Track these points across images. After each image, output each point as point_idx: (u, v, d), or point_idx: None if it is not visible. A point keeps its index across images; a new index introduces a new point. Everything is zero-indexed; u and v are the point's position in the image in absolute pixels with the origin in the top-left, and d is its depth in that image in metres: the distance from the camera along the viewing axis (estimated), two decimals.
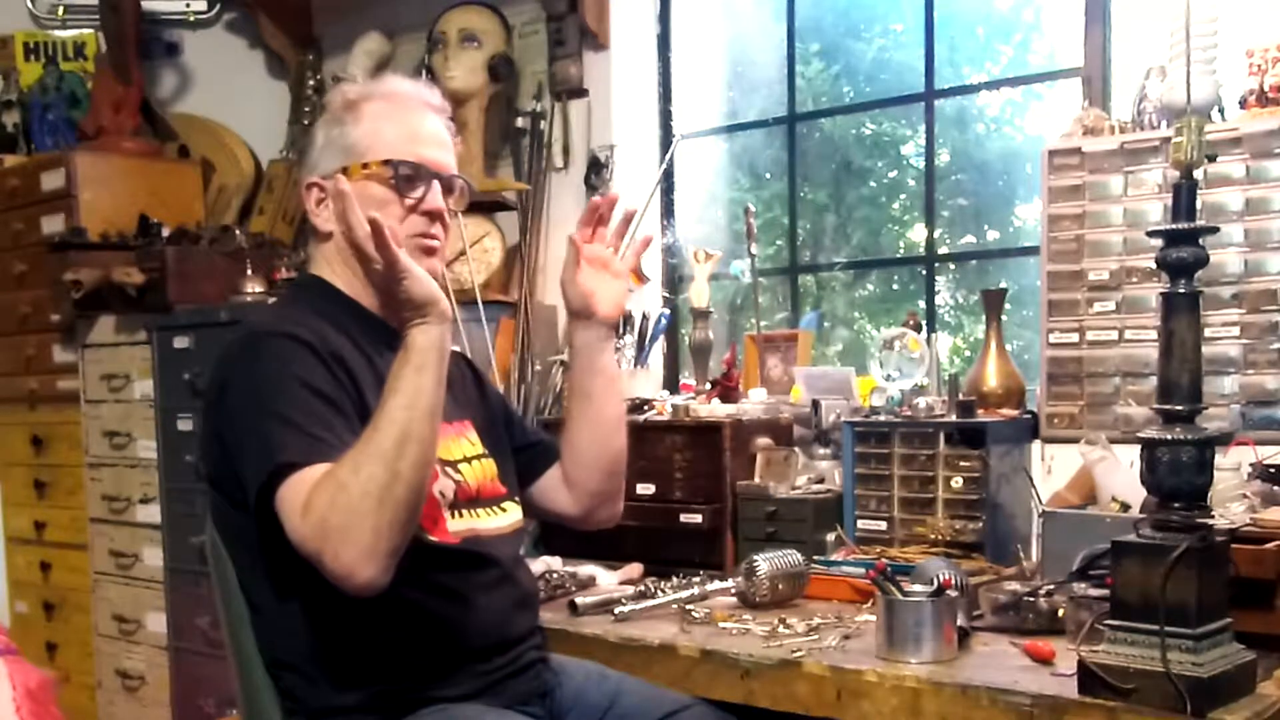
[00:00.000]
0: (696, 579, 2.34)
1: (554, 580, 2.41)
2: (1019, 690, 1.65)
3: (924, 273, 3.17)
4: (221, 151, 4.08)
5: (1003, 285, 2.73)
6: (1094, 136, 2.51)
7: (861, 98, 3.57)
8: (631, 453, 2.64)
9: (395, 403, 1.47)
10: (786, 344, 3.10)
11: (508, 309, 3.37)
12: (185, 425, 3.24)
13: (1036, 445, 2.57)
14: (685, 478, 2.64)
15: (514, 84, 3.54)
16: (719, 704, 1.88)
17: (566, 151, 3.45)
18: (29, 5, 4.20)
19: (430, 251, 1.71)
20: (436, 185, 1.72)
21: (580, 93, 3.43)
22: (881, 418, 2.51)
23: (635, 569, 2.55)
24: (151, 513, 3.40)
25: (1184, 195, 1.59)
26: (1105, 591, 1.75)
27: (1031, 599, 1.98)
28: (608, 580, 2.47)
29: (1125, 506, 2.16)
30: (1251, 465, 2.18)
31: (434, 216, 1.72)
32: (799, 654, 1.87)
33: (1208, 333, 2.21)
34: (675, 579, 2.38)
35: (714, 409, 2.74)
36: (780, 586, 2.21)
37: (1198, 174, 1.62)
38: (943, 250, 3.20)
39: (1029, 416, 2.57)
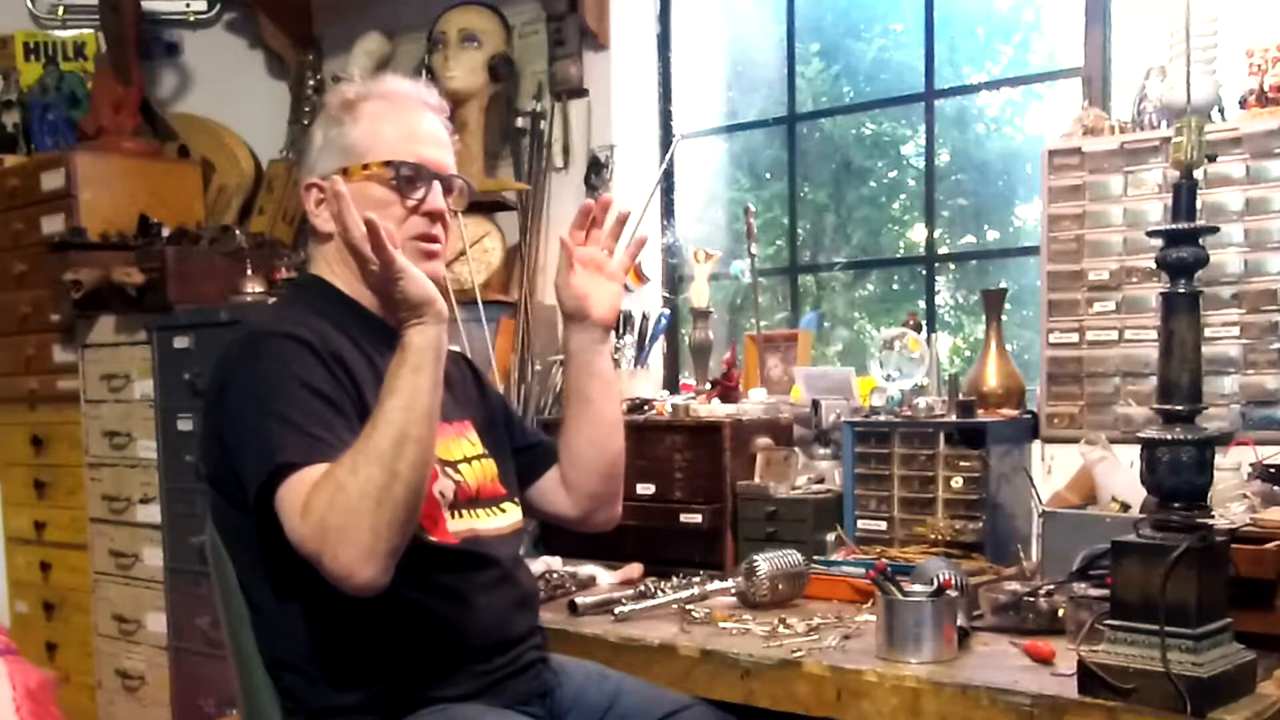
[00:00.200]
0: (696, 579, 2.34)
1: (554, 580, 2.41)
2: (1019, 690, 1.65)
3: (924, 273, 3.17)
4: (221, 151, 4.08)
5: (1003, 285, 2.73)
6: (1094, 136, 2.51)
7: (861, 98, 3.57)
8: (631, 453, 2.64)
9: (393, 403, 1.47)
10: (786, 344, 3.10)
11: (508, 309, 3.37)
12: (185, 425, 3.24)
13: (1036, 445, 2.57)
14: (685, 478, 2.64)
15: (514, 84, 3.54)
16: (719, 704, 1.88)
17: (566, 151, 3.45)
18: (29, 5, 4.20)
19: (432, 254, 1.71)
20: (437, 186, 1.72)
21: (580, 93, 3.43)
22: (881, 418, 2.51)
23: (635, 569, 2.54)
24: (151, 513, 3.40)
25: (1184, 195, 1.60)
26: (1105, 591, 1.75)
27: (1031, 599, 1.98)
28: (608, 580, 2.47)
29: (1125, 506, 2.16)
30: (1251, 465, 2.18)
31: (435, 217, 1.72)
32: (799, 654, 1.87)
33: (1208, 333, 2.21)
34: (675, 579, 2.38)
35: (714, 409, 2.74)
36: (780, 586, 2.21)
37: (1198, 174, 1.62)
38: (943, 250, 3.20)
39: (1029, 416, 2.57)
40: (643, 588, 2.29)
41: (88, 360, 3.60)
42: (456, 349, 1.93)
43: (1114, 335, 2.48)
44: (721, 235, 3.51)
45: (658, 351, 3.23)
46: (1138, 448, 1.62)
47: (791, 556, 2.24)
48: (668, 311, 3.28)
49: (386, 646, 1.61)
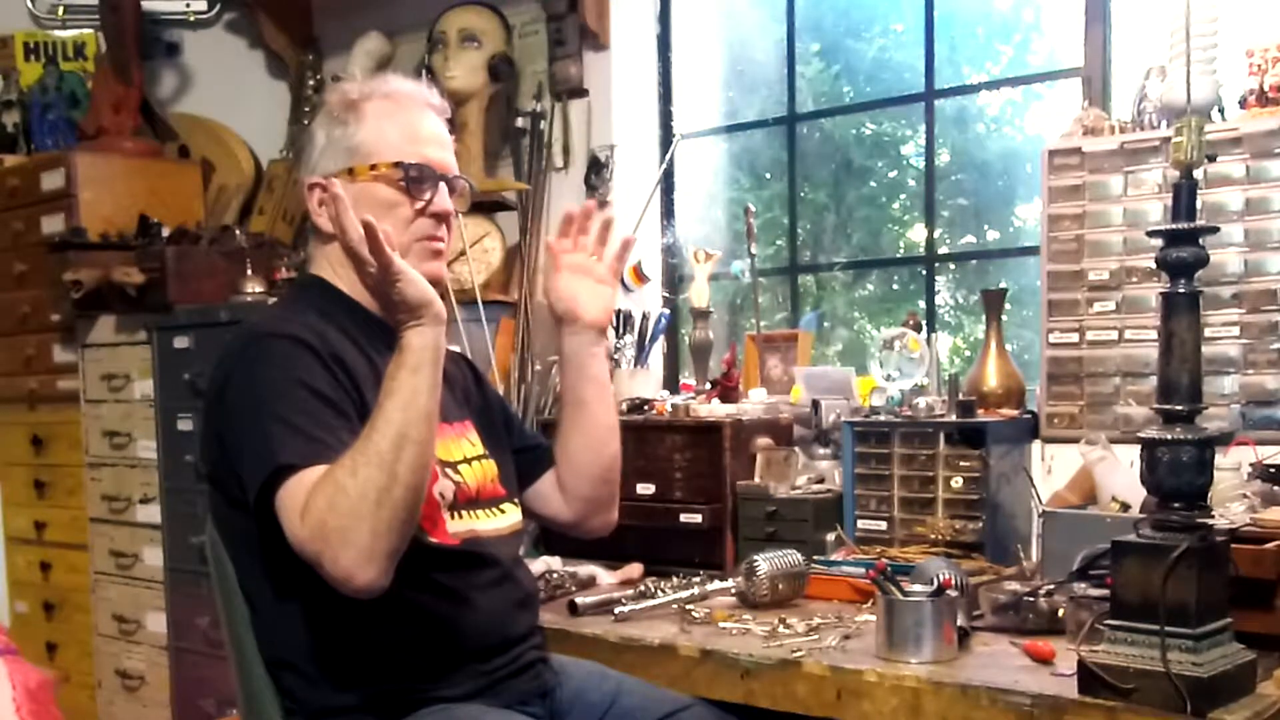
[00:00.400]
0: (696, 579, 2.34)
1: (554, 580, 2.41)
2: (1019, 690, 1.65)
3: (924, 273, 3.16)
4: (221, 151, 4.08)
5: (1003, 285, 2.73)
6: (1094, 136, 2.51)
7: (861, 98, 3.56)
8: (631, 453, 2.66)
9: (391, 404, 1.47)
10: (786, 344, 3.10)
11: (508, 309, 3.37)
12: (185, 425, 3.24)
13: (1036, 445, 2.57)
14: (685, 478, 2.64)
15: (514, 84, 3.54)
16: (719, 704, 1.88)
17: (566, 151, 3.45)
18: (29, 5, 4.20)
19: (436, 254, 1.72)
20: (443, 187, 1.72)
21: (580, 93, 3.43)
22: (881, 418, 2.51)
23: (635, 569, 2.54)
24: (151, 513, 3.40)
25: (1184, 195, 1.60)
26: (1105, 591, 1.75)
27: (1031, 599, 1.98)
28: (608, 580, 2.47)
29: (1125, 506, 2.16)
30: (1251, 465, 2.18)
31: (441, 218, 1.72)
32: (799, 654, 1.87)
33: (1208, 333, 2.21)
34: (675, 579, 2.39)
35: (714, 409, 2.74)
36: (780, 586, 2.21)
37: (1198, 174, 1.62)
38: (943, 250, 3.19)
39: (1029, 416, 2.57)
40: (643, 588, 2.30)
41: (88, 360, 3.60)
42: (456, 349, 1.93)
43: (1114, 335, 2.48)
44: (721, 235, 3.51)
45: (658, 351, 3.23)
46: (1138, 448, 1.62)
47: (791, 556, 2.24)
48: (668, 311, 3.28)
49: (386, 646, 1.61)
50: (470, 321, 3.26)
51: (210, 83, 4.23)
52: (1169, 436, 1.57)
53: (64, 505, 3.74)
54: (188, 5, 4.19)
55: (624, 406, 2.83)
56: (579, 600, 2.21)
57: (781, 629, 2.02)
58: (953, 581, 1.94)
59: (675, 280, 3.47)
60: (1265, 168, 2.31)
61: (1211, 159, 1.66)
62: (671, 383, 3.31)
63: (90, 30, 4.15)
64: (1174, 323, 1.58)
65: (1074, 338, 2.53)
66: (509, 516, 1.79)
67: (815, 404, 2.69)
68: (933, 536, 2.40)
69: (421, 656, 1.62)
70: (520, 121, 3.52)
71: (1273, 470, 2.11)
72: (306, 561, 1.45)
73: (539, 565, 2.49)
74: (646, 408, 2.79)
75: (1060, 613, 1.93)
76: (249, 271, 3.33)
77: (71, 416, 3.65)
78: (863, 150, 3.54)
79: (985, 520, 2.36)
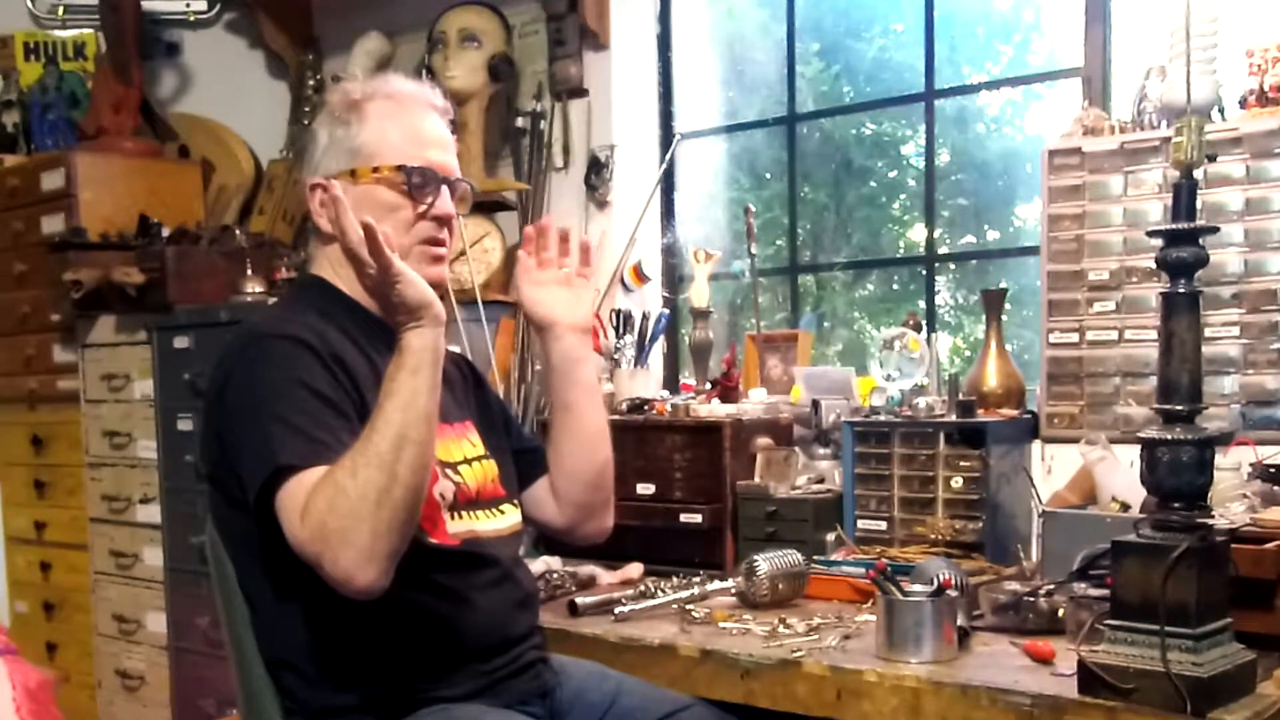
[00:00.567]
0: (696, 579, 2.34)
1: (554, 580, 2.41)
2: (1019, 690, 1.65)
3: (924, 273, 3.16)
4: (221, 151, 4.08)
5: (1003, 285, 2.73)
6: (1094, 136, 2.51)
7: (861, 98, 3.56)
8: (631, 453, 2.66)
9: (391, 405, 1.47)
10: (786, 344, 3.10)
11: (508, 309, 3.37)
12: (185, 425, 3.24)
13: (1036, 445, 2.57)
14: (685, 478, 2.64)
15: (514, 84, 3.54)
16: (719, 704, 1.88)
17: (566, 151, 3.45)
18: (29, 5, 4.20)
19: (438, 259, 1.71)
20: (446, 190, 1.72)
21: (580, 93, 3.43)
22: (881, 418, 2.51)
23: (635, 569, 2.54)
24: (151, 513, 3.40)
25: (1184, 195, 1.60)
26: (1105, 591, 1.75)
27: (1031, 599, 1.98)
28: (607, 580, 2.47)
29: (1125, 506, 2.16)
30: (1251, 465, 2.18)
31: (443, 221, 1.72)
32: (799, 654, 1.87)
33: (1208, 333, 2.21)
34: (675, 579, 2.39)
35: (714, 409, 2.74)
36: (780, 586, 2.21)
37: (1198, 174, 1.62)
38: (943, 250, 3.19)
39: (1029, 416, 2.57)
40: (643, 588, 2.29)
41: (88, 360, 3.60)
42: (456, 349, 1.93)
43: (1114, 335, 2.48)
44: (721, 235, 3.51)
45: (658, 351, 3.23)
46: (1138, 448, 1.62)
47: (791, 556, 2.24)
48: (668, 311, 3.28)
49: (386, 646, 1.61)
50: (470, 321, 3.26)
51: (210, 83, 4.23)
52: (1169, 436, 1.57)
53: (64, 505, 3.74)
54: (188, 5, 4.19)
55: (624, 406, 2.83)
56: (579, 600, 2.21)
57: (781, 629, 2.02)
58: (953, 581, 1.94)
59: (675, 280, 3.47)
60: (1265, 168, 2.31)
61: (1211, 159, 1.66)
62: (671, 383, 3.31)
63: (90, 30, 4.15)
64: (1174, 323, 1.58)
65: (1074, 338, 2.53)
66: (509, 517, 1.79)
67: (815, 404, 2.69)
68: (933, 536, 2.40)
69: (421, 656, 1.62)
70: (520, 121, 3.52)
71: (1273, 470, 2.11)
72: (306, 562, 1.45)
73: (539, 565, 2.49)
74: (646, 408, 2.79)
75: (1060, 613, 1.93)
76: (249, 271, 3.33)
77: (71, 416, 3.65)
78: (863, 150, 3.54)
79: (985, 520, 2.36)
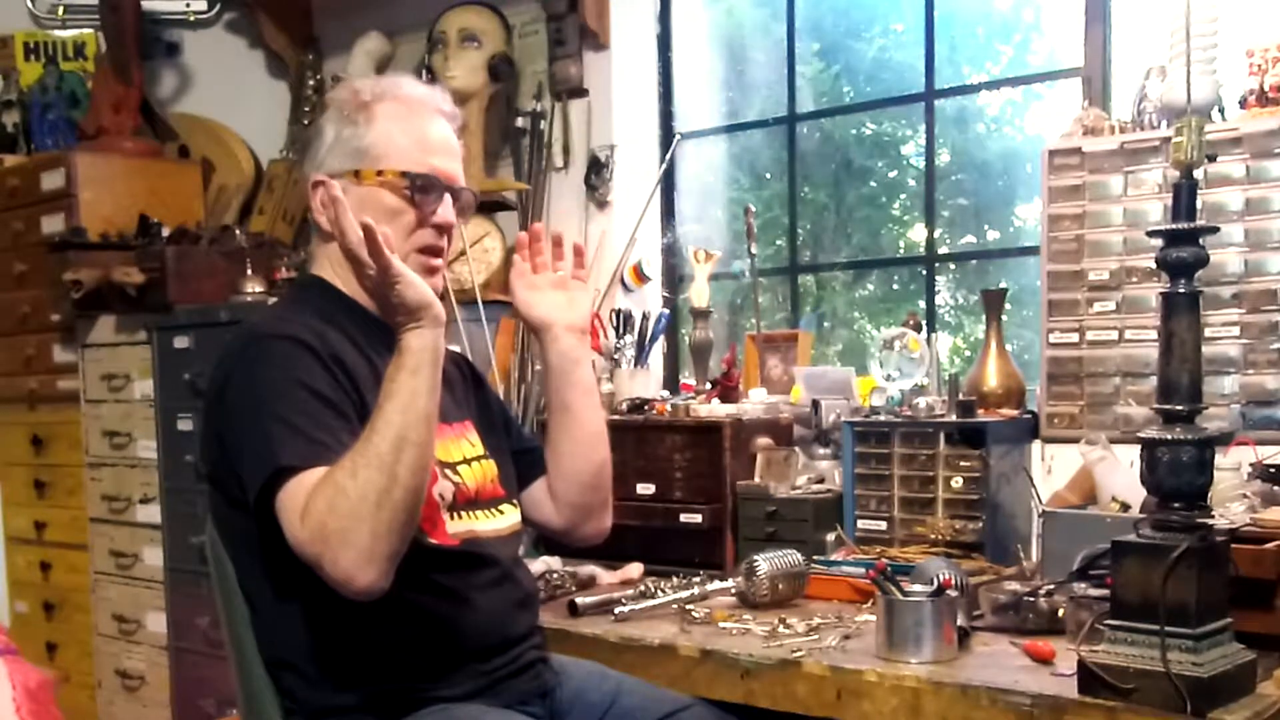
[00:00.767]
0: (696, 579, 2.34)
1: (554, 580, 2.41)
2: (1019, 690, 1.65)
3: (924, 273, 3.16)
4: (221, 151, 4.08)
5: (1003, 285, 2.73)
6: (1094, 136, 2.51)
7: (861, 98, 3.56)
8: (631, 453, 2.66)
9: (391, 406, 1.47)
10: (786, 344, 3.10)
11: (508, 309, 3.36)
12: (185, 425, 3.24)
13: (1036, 445, 2.57)
14: (685, 478, 2.64)
15: (514, 84, 3.54)
16: (719, 704, 1.88)
17: (566, 151, 3.45)
18: (29, 5, 4.20)
19: (434, 268, 1.71)
20: (448, 198, 1.71)
21: (580, 93, 3.43)
22: (881, 418, 2.51)
23: (635, 569, 2.54)
24: (151, 513, 3.40)
25: (1184, 195, 1.60)
26: (1105, 591, 1.75)
27: (1031, 599, 1.98)
28: (608, 580, 2.47)
29: (1125, 506, 2.16)
30: (1251, 465, 2.18)
31: (443, 230, 1.72)
32: (799, 654, 1.87)
33: (1208, 333, 2.21)
34: (675, 579, 2.39)
35: (714, 409, 2.74)
36: (780, 586, 2.21)
37: (1198, 174, 1.62)
38: (943, 250, 3.19)
39: (1029, 416, 2.57)
40: (643, 588, 2.29)
41: (88, 360, 3.60)
42: (456, 349, 1.93)
43: (1114, 335, 2.48)
44: (721, 235, 3.51)
45: (658, 351, 3.23)
46: (1138, 448, 1.62)
47: (791, 556, 2.24)
48: (668, 311, 3.28)
49: (386, 646, 1.61)
50: (470, 321, 3.26)
51: (210, 83, 4.23)
52: (1169, 436, 1.57)
53: (64, 505, 3.74)
54: (188, 5, 4.19)
55: (624, 406, 2.83)
56: (579, 600, 2.21)
57: (781, 629, 2.02)
58: (953, 581, 1.94)
59: (675, 280, 3.47)
60: (1265, 168, 2.31)
61: (1211, 159, 1.66)
62: (671, 383, 3.31)
63: (90, 30, 4.15)
64: (1174, 323, 1.58)
65: (1074, 338, 2.53)
66: (508, 517, 1.79)
67: (815, 404, 2.69)
68: (933, 536, 2.40)
69: (421, 656, 1.62)
70: (520, 121, 3.52)
71: (1273, 470, 2.11)
72: (306, 563, 1.45)
73: (539, 565, 2.49)
74: (646, 408, 2.79)
75: (1060, 613, 1.93)
76: (249, 271, 3.33)
77: (71, 416, 3.65)
78: (863, 150, 3.54)
79: (985, 520, 2.36)
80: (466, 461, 1.75)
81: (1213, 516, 1.63)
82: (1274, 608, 1.77)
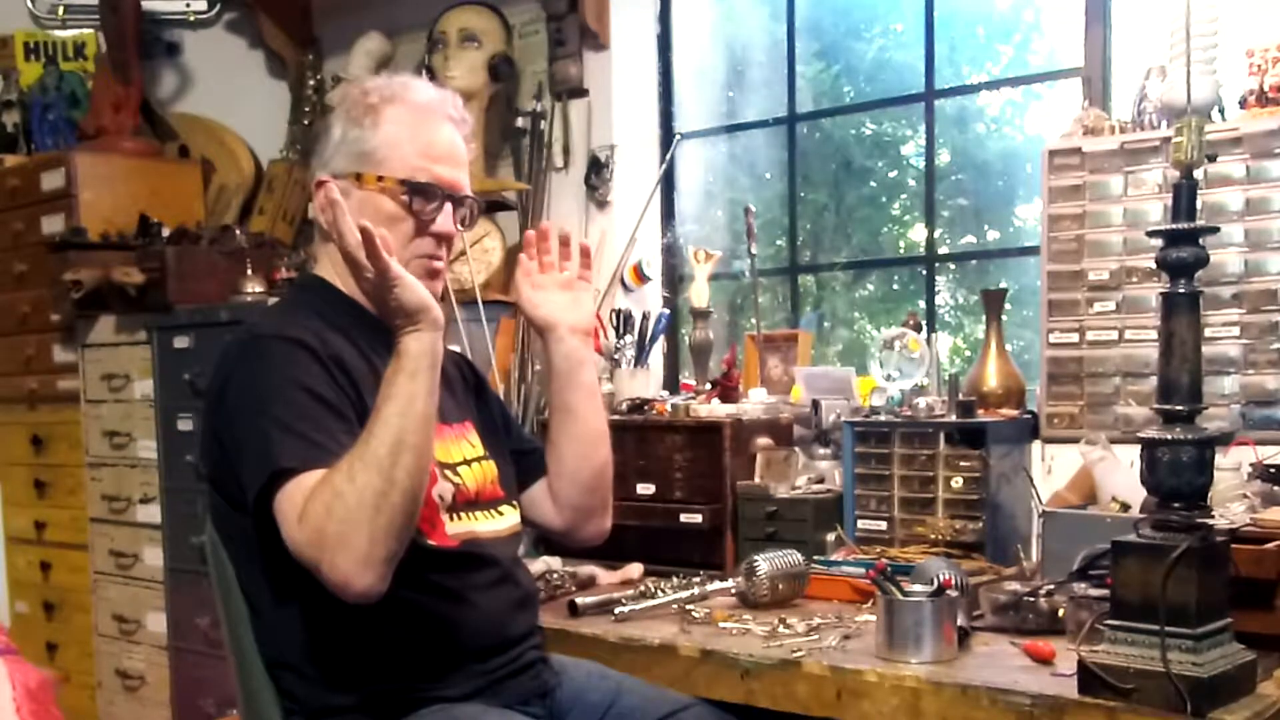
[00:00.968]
0: (696, 579, 2.34)
1: (554, 580, 2.41)
2: (1019, 690, 1.65)
3: (924, 273, 3.16)
4: (221, 151, 4.08)
5: (1003, 285, 2.73)
6: (1094, 136, 2.51)
7: (861, 98, 3.56)
8: (631, 453, 2.66)
9: (389, 409, 1.47)
10: (786, 344, 3.10)
11: (508, 309, 3.37)
12: (185, 425, 3.24)
13: (1036, 445, 2.57)
14: (685, 478, 2.64)
15: (514, 84, 3.54)
16: (719, 704, 1.88)
17: (566, 151, 3.45)
18: (29, 5, 4.20)
19: (434, 275, 1.71)
20: (449, 208, 1.71)
21: (580, 93, 3.43)
22: (881, 418, 2.51)
23: (635, 569, 2.54)
24: (151, 513, 3.40)
25: (1184, 195, 1.59)
26: (1105, 591, 1.75)
27: (1031, 599, 1.98)
28: (608, 580, 2.47)
29: (1125, 506, 2.16)
30: (1251, 465, 2.18)
31: (442, 239, 1.71)
32: (799, 654, 1.87)
33: (1208, 333, 2.21)
34: (675, 579, 2.38)
35: (714, 409, 2.74)
36: (780, 586, 2.21)
37: (1198, 174, 1.62)
38: (943, 250, 3.19)
39: (1029, 416, 2.57)
40: (643, 588, 2.29)
41: (88, 360, 3.60)
42: (456, 349, 1.92)
43: (1114, 335, 2.48)
44: (721, 235, 3.51)
45: (658, 351, 3.23)
46: (1138, 448, 1.62)
47: (791, 556, 2.24)
48: (668, 311, 3.28)
49: (386, 647, 1.61)
50: (470, 321, 3.26)
51: (210, 83, 4.23)
52: (1169, 436, 1.57)
53: (64, 505, 3.74)
54: (188, 5, 4.19)
55: (624, 406, 2.83)
56: (579, 600, 2.21)
57: (781, 629, 2.02)
58: (953, 581, 1.94)
59: (675, 280, 3.47)
60: (1265, 168, 2.31)
61: (1211, 159, 1.66)
62: (671, 383, 3.31)
63: (90, 30, 4.15)
64: (1174, 323, 1.58)
65: (1074, 338, 2.53)
66: (508, 518, 1.79)
67: (815, 404, 2.69)
68: (933, 536, 2.40)
69: (421, 657, 1.62)
70: (520, 121, 3.52)
71: (1273, 470, 2.11)
72: (304, 566, 1.45)
73: (539, 565, 2.49)
74: (646, 408, 2.79)
75: (1060, 613, 1.93)
76: (249, 271, 3.33)
77: (71, 416, 3.65)
78: (863, 150, 3.54)
79: (985, 520, 2.36)
80: (466, 462, 1.75)
81: (1213, 516, 1.63)
82: (1274, 608, 1.77)
